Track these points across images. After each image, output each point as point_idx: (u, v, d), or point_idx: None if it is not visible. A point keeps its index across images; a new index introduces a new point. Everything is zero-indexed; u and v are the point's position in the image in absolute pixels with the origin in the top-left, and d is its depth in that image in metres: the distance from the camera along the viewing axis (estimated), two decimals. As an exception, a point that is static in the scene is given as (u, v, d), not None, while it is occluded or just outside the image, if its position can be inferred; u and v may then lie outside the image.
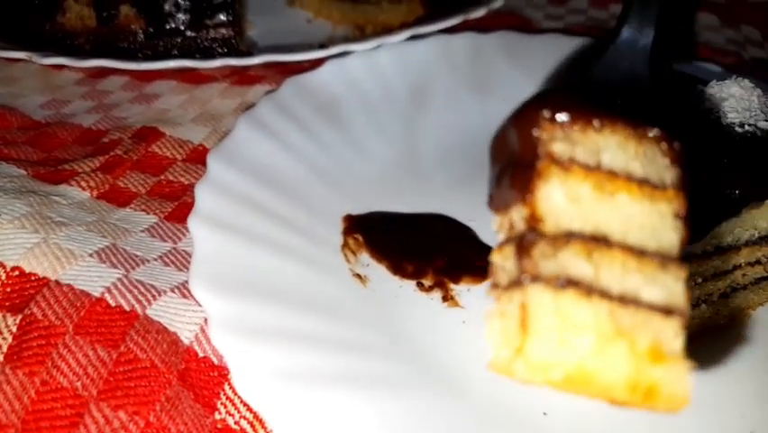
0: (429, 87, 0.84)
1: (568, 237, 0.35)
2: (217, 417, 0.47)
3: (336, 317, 0.54)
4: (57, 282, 0.52)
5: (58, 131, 0.78)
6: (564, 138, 0.37)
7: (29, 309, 0.50)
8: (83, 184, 0.66)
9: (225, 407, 0.48)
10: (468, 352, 0.55)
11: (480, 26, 0.96)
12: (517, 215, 0.37)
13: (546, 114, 0.37)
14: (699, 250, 0.52)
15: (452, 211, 0.69)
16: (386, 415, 0.46)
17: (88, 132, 0.78)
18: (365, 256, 0.62)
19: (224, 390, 0.49)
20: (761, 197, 0.52)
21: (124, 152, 0.73)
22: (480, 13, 0.97)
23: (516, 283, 0.36)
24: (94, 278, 0.53)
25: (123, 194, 0.67)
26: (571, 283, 0.34)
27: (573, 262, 0.35)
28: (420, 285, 0.60)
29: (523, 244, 0.36)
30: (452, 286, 0.60)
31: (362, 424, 0.45)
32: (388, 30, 0.92)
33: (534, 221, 0.35)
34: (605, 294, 0.34)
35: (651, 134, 0.38)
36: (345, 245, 0.62)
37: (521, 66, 0.89)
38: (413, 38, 0.89)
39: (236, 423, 0.47)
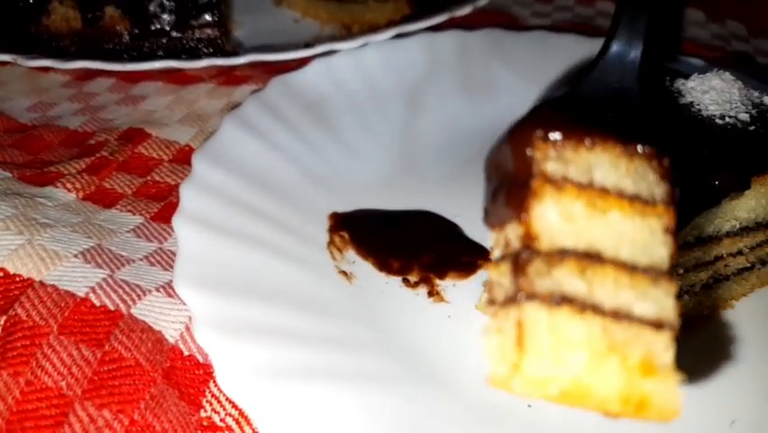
0: (415, 86, 0.84)
1: (562, 254, 0.36)
2: (203, 414, 0.47)
3: (322, 313, 0.54)
4: (41, 283, 0.52)
5: (44, 133, 0.78)
6: (557, 157, 0.38)
7: (13, 310, 0.50)
8: (69, 186, 0.66)
9: (211, 404, 0.48)
10: (453, 346, 0.55)
11: (468, 24, 0.96)
12: (513, 232, 0.38)
13: (539, 133, 0.38)
14: (681, 240, 0.52)
15: (439, 207, 0.69)
16: (371, 410, 0.46)
17: (75, 134, 0.78)
18: (351, 253, 0.62)
19: (209, 387, 0.49)
20: (740, 187, 0.53)
21: (111, 153, 0.73)
22: (465, 10, 0.97)
23: (512, 300, 0.37)
24: (78, 278, 0.53)
25: (109, 195, 0.67)
26: (565, 300, 0.35)
27: (567, 279, 0.36)
28: (406, 281, 0.60)
29: (518, 261, 0.36)
30: (437, 281, 0.61)
31: (348, 419, 0.45)
32: (374, 29, 0.93)
33: (528, 239, 0.36)
34: (598, 310, 0.35)
35: (641, 151, 0.38)
36: (331, 243, 0.62)
37: (507, 63, 0.90)
38: (399, 36, 0.89)
39: (222, 420, 0.47)
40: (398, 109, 0.81)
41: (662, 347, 0.35)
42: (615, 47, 0.51)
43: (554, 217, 0.37)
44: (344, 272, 0.60)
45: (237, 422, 0.47)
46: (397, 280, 0.61)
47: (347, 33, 0.99)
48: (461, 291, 0.60)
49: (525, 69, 0.89)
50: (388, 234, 0.66)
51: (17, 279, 0.53)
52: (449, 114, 0.83)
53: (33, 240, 0.56)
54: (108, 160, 0.72)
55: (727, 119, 0.57)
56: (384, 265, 0.62)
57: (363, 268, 0.61)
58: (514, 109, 0.83)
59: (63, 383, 0.46)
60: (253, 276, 0.54)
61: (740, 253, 0.58)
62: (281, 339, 0.49)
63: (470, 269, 0.62)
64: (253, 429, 0.47)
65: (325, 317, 0.54)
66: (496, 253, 0.40)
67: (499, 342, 0.38)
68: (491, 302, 0.40)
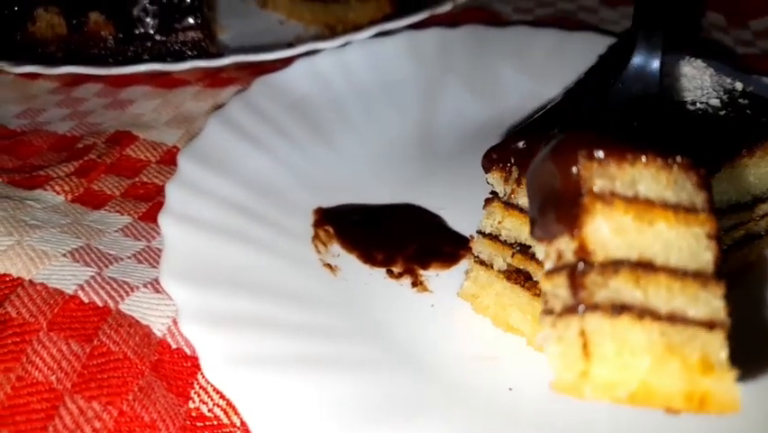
0: (398, 83, 0.86)
1: (616, 265, 0.38)
2: (191, 405, 0.49)
3: (306, 304, 0.55)
4: (30, 282, 0.53)
5: (33, 139, 0.79)
6: (603, 174, 0.40)
7: (3, 309, 0.51)
8: (57, 188, 0.68)
9: (199, 396, 0.49)
10: (437, 333, 0.56)
11: (452, 22, 0.97)
12: (565, 246, 0.40)
13: (584, 152, 0.40)
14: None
15: (423, 201, 0.70)
16: (357, 396, 0.47)
17: (63, 138, 0.79)
18: (336, 247, 0.64)
19: (197, 379, 0.50)
20: (710, 171, 0.54)
21: (99, 155, 0.74)
22: (446, 8, 0.99)
23: (571, 310, 0.39)
24: (67, 276, 0.54)
25: (97, 197, 0.68)
26: (624, 309, 0.38)
27: (624, 288, 0.38)
28: (390, 272, 0.62)
29: (575, 274, 0.39)
30: (421, 272, 0.62)
31: (335, 406, 0.46)
32: (357, 28, 0.94)
33: (583, 253, 0.39)
34: (655, 315, 0.38)
35: (678, 162, 0.41)
36: (316, 237, 0.64)
37: (489, 59, 0.91)
38: (381, 34, 0.91)
39: (210, 411, 0.48)
40: (380, 106, 0.83)
41: (717, 346, 0.37)
42: (636, 59, 0.55)
43: (606, 231, 0.39)
44: (329, 265, 0.61)
45: (225, 412, 0.48)
46: (381, 271, 0.62)
47: (331, 33, 1.01)
48: (443, 281, 0.61)
49: (508, 64, 0.90)
50: (373, 227, 0.67)
51: (7, 278, 0.54)
52: (431, 110, 0.84)
53: (23, 241, 0.57)
54: (96, 162, 0.73)
55: (698, 105, 0.58)
56: (368, 258, 0.63)
57: (348, 261, 0.62)
58: (497, 104, 0.86)
59: (53, 378, 0.47)
60: (238, 270, 0.55)
61: (715, 235, 0.59)
62: (266, 330, 0.50)
63: (453, 259, 0.63)
64: (241, 419, 0.48)
65: (310, 308, 0.55)
66: (547, 265, 0.42)
67: (562, 351, 0.40)
68: (548, 312, 0.42)
